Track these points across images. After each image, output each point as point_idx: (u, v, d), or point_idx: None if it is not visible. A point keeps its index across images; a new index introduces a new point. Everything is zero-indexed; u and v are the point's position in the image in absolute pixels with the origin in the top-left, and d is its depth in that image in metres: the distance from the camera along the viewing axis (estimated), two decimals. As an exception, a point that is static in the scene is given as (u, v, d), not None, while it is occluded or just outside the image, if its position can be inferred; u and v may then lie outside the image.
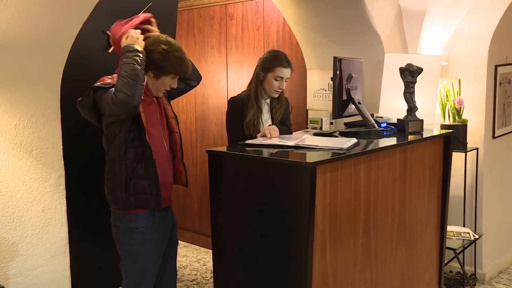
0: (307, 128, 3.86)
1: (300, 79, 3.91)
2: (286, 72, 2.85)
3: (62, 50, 1.97)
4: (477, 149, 3.76)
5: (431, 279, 3.04)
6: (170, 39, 2.38)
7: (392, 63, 3.28)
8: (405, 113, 2.99)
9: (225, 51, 4.33)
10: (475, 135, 3.76)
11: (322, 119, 3.76)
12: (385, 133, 2.87)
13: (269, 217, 2.21)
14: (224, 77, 4.37)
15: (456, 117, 3.66)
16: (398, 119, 2.93)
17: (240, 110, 2.84)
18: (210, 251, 4.60)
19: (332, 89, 3.69)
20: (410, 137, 2.78)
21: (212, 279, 4.02)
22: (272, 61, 2.85)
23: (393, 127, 2.98)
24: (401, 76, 2.88)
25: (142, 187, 2.31)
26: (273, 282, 2.21)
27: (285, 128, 2.97)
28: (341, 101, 2.89)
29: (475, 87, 3.75)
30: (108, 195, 2.35)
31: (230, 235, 2.39)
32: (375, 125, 2.90)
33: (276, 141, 2.51)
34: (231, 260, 2.40)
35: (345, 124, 3.13)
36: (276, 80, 2.83)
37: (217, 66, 4.41)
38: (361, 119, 2.98)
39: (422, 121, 2.89)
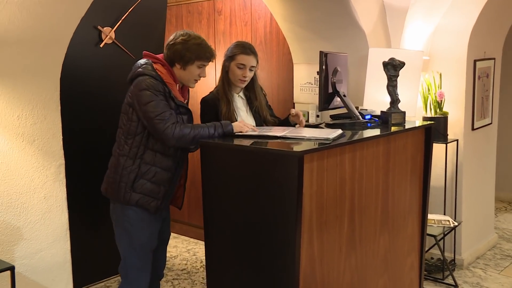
0: (294, 121, 3.96)
1: (287, 73, 4.02)
2: (248, 59, 2.79)
3: (61, 44, 2.04)
4: (457, 140, 3.91)
5: (413, 264, 3.17)
6: (188, 31, 2.56)
7: (376, 57, 3.40)
8: (389, 106, 3.12)
9: (213, 46, 4.40)
10: (456, 127, 3.91)
11: (308, 112, 3.87)
12: (369, 124, 2.99)
13: (259, 205, 2.30)
14: (213, 71, 4.45)
15: (437, 110, 3.80)
16: (381, 111, 3.05)
17: (213, 109, 2.82)
18: (199, 241, 4.72)
19: (318, 82, 3.82)
20: (393, 128, 2.90)
21: (202, 269, 4.12)
22: (233, 49, 2.83)
23: (377, 119, 3.10)
24: (384, 70, 3.00)
25: (151, 190, 2.42)
26: (263, 267, 2.32)
27: (277, 119, 3.05)
28: (327, 94, 3.00)
29: (456, 81, 3.89)
30: (108, 186, 2.41)
31: (221, 223, 2.48)
32: (360, 117, 3.01)
33: (264, 131, 2.60)
34: (223, 247, 2.49)
35: (331, 116, 3.24)
36: (239, 68, 2.80)
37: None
38: (346, 111, 3.10)
39: (404, 113, 3.01)
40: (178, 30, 2.55)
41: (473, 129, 4.08)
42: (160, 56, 2.54)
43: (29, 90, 2.00)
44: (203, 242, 4.57)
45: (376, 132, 2.83)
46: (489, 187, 4.50)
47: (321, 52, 2.91)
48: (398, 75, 2.99)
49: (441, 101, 3.77)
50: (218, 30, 4.37)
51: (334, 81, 3.01)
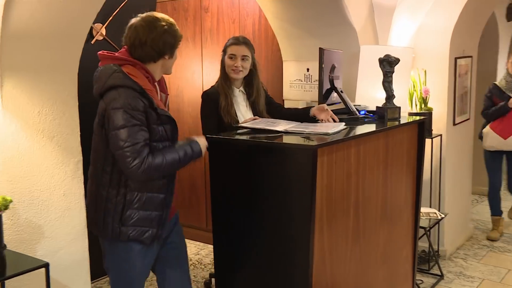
0: (284, 117, 4.00)
1: (277, 70, 4.05)
2: (237, 49, 2.87)
3: (78, 40, 2.01)
4: (440, 135, 4.05)
5: (407, 255, 3.27)
6: (141, 15, 2.09)
7: (368, 54, 3.48)
8: (380, 101, 3.19)
9: (200, 44, 4.40)
10: (439, 122, 4.04)
11: (298, 109, 3.91)
12: (366, 119, 3.06)
13: (271, 199, 2.33)
14: (199, 69, 4.44)
15: (422, 106, 3.92)
16: (377, 107, 3.13)
17: (213, 103, 2.88)
18: (199, 243, 4.64)
19: (308, 79, 3.88)
20: (390, 123, 2.98)
21: (200, 269, 4.11)
22: (227, 42, 2.97)
23: (371, 114, 3.17)
24: (380, 66, 3.07)
25: (144, 219, 2.04)
26: (276, 261, 2.34)
27: (280, 107, 3.12)
28: (325, 90, 3.06)
29: (439, 77, 4.03)
30: (91, 221, 2.06)
31: (231, 219, 2.49)
32: (357, 112, 3.08)
33: (264, 125, 2.62)
34: (233, 242, 2.51)
35: (326, 112, 3.29)
36: (230, 58, 2.88)
37: (192, 58, 4.47)
38: (340, 107, 3.17)
39: (399, 108, 3.10)
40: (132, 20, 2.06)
41: (454, 124, 4.23)
42: (122, 54, 2.04)
43: (50, 86, 1.95)
44: (198, 243, 4.56)
45: (374, 127, 2.91)
46: (467, 180, 4.68)
47: (320, 49, 2.96)
48: (393, 71, 3.07)
49: (426, 97, 3.90)
50: (205, 28, 4.36)
51: (332, 77, 3.06)
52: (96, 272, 3.61)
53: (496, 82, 4.60)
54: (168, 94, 2.27)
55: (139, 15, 2.04)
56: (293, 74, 3.94)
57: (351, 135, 2.62)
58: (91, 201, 2.02)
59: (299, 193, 2.24)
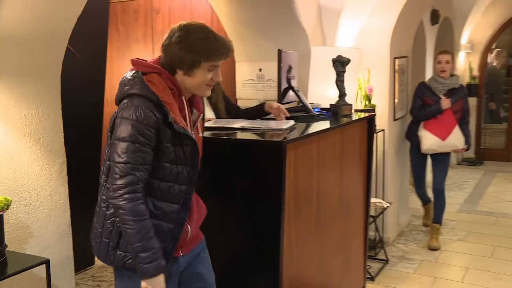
0: (237, 116, 4.14)
1: (229, 70, 4.18)
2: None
3: (61, 45, 2.03)
4: (383, 130, 4.34)
5: (360, 243, 3.51)
6: (187, 22, 1.85)
7: (318, 55, 3.69)
8: (331, 99, 3.41)
9: (151, 45, 4.44)
10: (382, 118, 4.34)
11: (252, 107, 4.06)
12: (321, 116, 3.26)
13: (244, 192, 2.46)
14: (151, 69, 4.48)
15: (367, 102, 4.20)
16: (330, 104, 3.33)
17: None
18: None
19: (260, 79, 4.04)
20: (344, 120, 3.19)
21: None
22: None
23: (325, 111, 3.38)
24: (333, 66, 3.27)
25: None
26: (248, 249, 2.48)
27: (233, 107, 3.22)
28: (282, 89, 3.23)
29: (381, 76, 4.33)
30: (92, 240, 1.88)
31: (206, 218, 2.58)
32: (312, 110, 3.27)
33: (224, 124, 2.75)
34: (206, 234, 2.61)
35: (282, 110, 3.46)
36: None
37: (143, 58, 4.49)
38: (295, 105, 3.35)
39: (351, 105, 3.32)
40: (173, 25, 1.86)
41: (394, 119, 4.55)
42: (154, 61, 1.87)
43: (35, 89, 1.96)
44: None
45: (328, 123, 3.10)
46: (406, 171, 5.03)
47: (278, 50, 3.12)
48: (345, 71, 3.29)
49: (370, 95, 4.17)
50: (156, 29, 4.41)
51: (289, 77, 3.24)
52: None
53: (426, 81, 4.57)
54: (201, 113, 1.99)
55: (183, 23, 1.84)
56: (246, 74, 4.08)
57: (311, 131, 2.80)
58: (95, 217, 1.85)
59: (270, 186, 2.39)
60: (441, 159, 4.53)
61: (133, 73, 1.80)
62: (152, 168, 1.75)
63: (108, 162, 1.77)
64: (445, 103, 4.35)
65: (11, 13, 1.76)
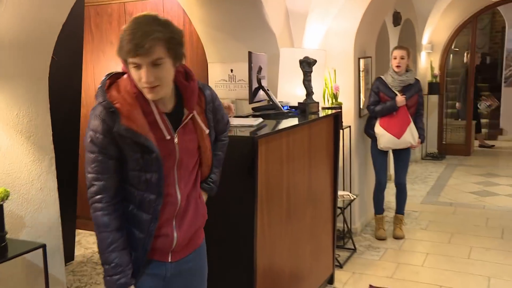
0: (210, 115, 4.32)
1: (202, 71, 4.36)
2: None
3: (48, 49, 2.18)
4: (349, 126, 4.59)
5: (328, 232, 3.74)
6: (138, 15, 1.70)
7: (287, 56, 3.90)
8: (299, 98, 3.63)
9: (125, 46, 4.57)
10: (348, 115, 4.58)
11: (224, 106, 4.25)
12: (289, 114, 3.48)
13: (220, 185, 2.65)
14: (125, 71, 4.61)
15: (334, 100, 4.44)
16: (299, 103, 3.55)
17: None
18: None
19: (232, 79, 4.23)
20: (311, 117, 3.41)
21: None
22: None
23: (293, 109, 3.59)
24: (300, 66, 3.50)
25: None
26: (225, 237, 2.67)
27: None
28: (253, 89, 3.43)
29: (346, 76, 4.57)
30: None
31: None
32: (281, 108, 3.49)
33: None
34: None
35: (253, 108, 3.66)
36: None
37: (117, 61, 4.62)
38: (265, 104, 3.56)
39: (318, 103, 3.55)
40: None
41: (360, 116, 4.81)
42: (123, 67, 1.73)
43: (25, 90, 2.10)
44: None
45: (297, 120, 3.32)
46: (370, 165, 5.29)
47: (249, 52, 3.32)
48: (312, 71, 3.52)
49: (337, 93, 4.41)
50: (130, 31, 4.54)
51: (260, 77, 3.44)
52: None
53: (382, 77, 4.58)
54: (192, 112, 1.79)
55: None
56: (218, 74, 4.27)
57: (280, 127, 3.01)
58: None
59: (244, 178, 2.59)
60: (401, 154, 4.67)
61: (103, 79, 1.71)
62: (126, 176, 1.71)
63: None
64: (400, 100, 4.42)
65: (3, 20, 1.91)
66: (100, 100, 1.65)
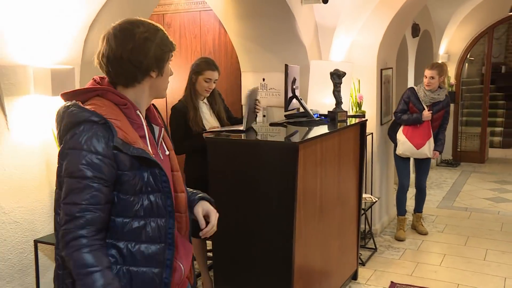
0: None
1: (235, 79, 4.67)
2: (213, 74, 3.41)
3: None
4: (372, 133, 4.87)
5: (353, 231, 4.02)
6: (128, 19, 1.59)
7: (316, 68, 4.20)
8: (328, 106, 3.92)
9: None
10: (371, 123, 4.86)
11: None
12: (320, 121, 3.76)
13: (263, 186, 2.94)
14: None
15: (357, 109, 4.72)
16: (329, 111, 3.84)
17: (181, 116, 3.36)
18: None
19: (263, 87, 4.53)
20: (341, 124, 3.70)
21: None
22: (202, 65, 3.42)
23: (323, 117, 3.88)
24: (331, 78, 3.79)
25: None
26: (266, 234, 2.96)
27: (232, 117, 3.72)
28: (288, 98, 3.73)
29: (369, 86, 4.86)
30: None
31: (229, 206, 3.03)
32: (313, 115, 3.78)
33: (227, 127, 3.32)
34: (228, 232, 3.06)
35: (286, 116, 3.96)
36: (205, 81, 3.40)
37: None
38: (294, 112, 3.86)
39: (346, 112, 3.84)
40: (109, 30, 1.57)
41: (381, 124, 5.09)
42: (90, 84, 1.59)
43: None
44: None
45: (326, 127, 3.61)
46: (391, 171, 5.57)
47: (286, 65, 3.62)
48: (341, 82, 3.81)
49: (361, 102, 4.70)
50: (168, 41, 4.86)
51: (294, 87, 3.74)
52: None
53: (415, 88, 4.84)
54: (162, 127, 1.70)
55: (114, 23, 1.58)
56: (251, 83, 4.56)
57: (313, 134, 3.31)
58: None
59: (285, 180, 2.88)
60: (422, 161, 4.98)
61: (66, 104, 1.52)
62: (116, 205, 1.48)
63: (59, 210, 1.49)
64: (426, 115, 4.68)
65: (93, 43, 2.24)
66: (87, 115, 1.44)
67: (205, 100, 3.55)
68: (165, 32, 1.61)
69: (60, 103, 1.56)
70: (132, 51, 1.52)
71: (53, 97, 2.06)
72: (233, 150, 3.06)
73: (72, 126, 1.45)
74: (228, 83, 4.66)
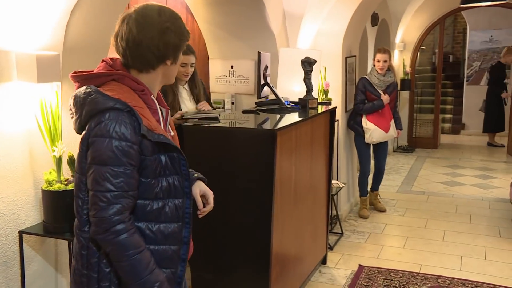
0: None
1: (203, 66, 4.63)
2: (188, 59, 3.36)
3: (104, 53, 2.42)
4: (337, 120, 4.96)
5: (323, 216, 4.11)
6: (144, 5, 1.61)
7: (286, 55, 4.23)
8: (297, 94, 3.97)
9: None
10: (337, 110, 4.95)
11: (224, 100, 4.55)
12: (291, 108, 3.81)
13: (244, 172, 2.95)
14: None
15: (324, 96, 4.80)
16: (299, 98, 3.88)
17: None
18: None
19: (232, 75, 4.53)
20: (311, 112, 3.76)
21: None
22: None
23: (294, 104, 3.92)
24: (302, 66, 3.83)
25: None
26: (246, 217, 2.98)
27: (211, 104, 3.72)
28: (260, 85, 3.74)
29: (335, 73, 4.95)
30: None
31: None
32: (284, 103, 3.82)
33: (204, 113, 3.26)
34: (206, 219, 3.08)
35: (256, 103, 3.98)
36: (181, 66, 3.35)
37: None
38: (263, 99, 3.88)
39: (317, 99, 3.90)
40: (124, 13, 1.59)
41: (346, 111, 5.20)
42: (103, 67, 1.61)
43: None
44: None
45: (298, 115, 3.65)
46: (354, 156, 5.71)
47: (258, 52, 3.63)
48: (312, 70, 3.86)
49: (327, 89, 4.78)
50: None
51: (266, 75, 3.76)
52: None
53: (366, 76, 5.07)
54: (168, 109, 1.77)
55: (133, 6, 1.56)
56: (219, 70, 4.55)
57: (285, 121, 3.34)
58: (79, 263, 1.60)
59: (263, 167, 2.91)
60: (382, 146, 5.31)
61: (85, 89, 1.53)
62: (139, 188, 1.53)
63: (81, 195, 1.54)
64: (386, 98, 5.03)
65: (74, 28, 2.16)
66: (112, 103, 1.46)
67: (186, 86, 3.52)
68: (183, 21, 1.65)
69: (45, 89, 1.56)
70: (153, 39, 1.56)
71: (38, 84, 1.99)
72: (209, 138, 3.06)
73: (96, 113, 1.48)
74: (197, 70, 4.61)
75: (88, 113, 1.49)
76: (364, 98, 5.06)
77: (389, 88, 5.10)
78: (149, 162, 1.53)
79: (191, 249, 1.74)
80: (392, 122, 5.17)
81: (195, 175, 1.82)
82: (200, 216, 1.80)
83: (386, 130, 5.07)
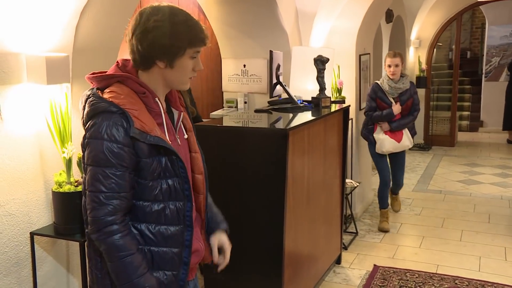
0: (223, 107, 4.60)
1: (215, 65, 4.62)
2: None
3: (115, 52, 2.43)
4: (351, 119, 4.92)
5: (337, 216, 4.07)
6: (157, 5, 1.57)
7: (298, 54, 4.20)
8: (311, 92, 3.94)
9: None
10: (351, 108, 4.89)
11: (237, 99, 4.53)
12: (304, 107, 3.78)
13: (255, 171, 2.94)
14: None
15: (338, 95, 4.76)
16: (312, 97, 3.85)
17: None
18: None
19: (244, 74, 4.51)
20: (324, 111, 3.72)
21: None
22: None
23: (307, 103, 3.89)
24: (314, 64, 3.79)
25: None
26: (259, 216, 2.96)
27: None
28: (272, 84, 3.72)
29: (349, 71, 4.90)
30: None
31: (222, 188, 2.99)
32: (297, 101, 3.79)
33: None
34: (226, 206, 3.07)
35: (269, 102, 3.95)
36: None
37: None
38: (277, 98, 3.86)
39: (330, 98, 3.86)
40: (141, 10, 1.56)
41: (360, 109, 5.15)
42: (113, 68, 1.61)
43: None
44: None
45: (310, 113, 3.62)
46: (368, 155, 5.64)
47: (270, 51, 3.60)
48: (325, 68, 3.82)
49: (341, 87, 4.73)
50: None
51: (278, 74, 3.73)
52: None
53: (378, 82, 4.68)
54: (182, 111, 1.71)
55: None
56: (231, 69, 4.54)
57: (298, 120, 3.32)
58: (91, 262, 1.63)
59: (276, 166, 2.88)
60: (399, 156, 4.92)
61: (88, 92, 1.58)
62: (136, 190, 1.54)
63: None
64: (397, 109, 4.60)
65: (84, 29, 2.17)
66: (105, 106, 1.48)
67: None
68: (195, 27, 1.56)
69: (55, 90, 1.58)
70: (137, 37, 1.53)
71: (48, 86, 2.00)
72: (222, 137, 3.05)
73: (92, 116, 1.51)
74: (209, 70, 4.61)
75: (87, 115, 1.53)
76: (375, 106, 4.68)
77: (403, 96, 4.64)
78: (145, 164, 1.52)
79: (202, 254, 1.73)
80: (406, 131, 4.78)
81: (218, 221, 1.84)
82: (218, 271, 1.82)
83: (398, 140, 4.72)
